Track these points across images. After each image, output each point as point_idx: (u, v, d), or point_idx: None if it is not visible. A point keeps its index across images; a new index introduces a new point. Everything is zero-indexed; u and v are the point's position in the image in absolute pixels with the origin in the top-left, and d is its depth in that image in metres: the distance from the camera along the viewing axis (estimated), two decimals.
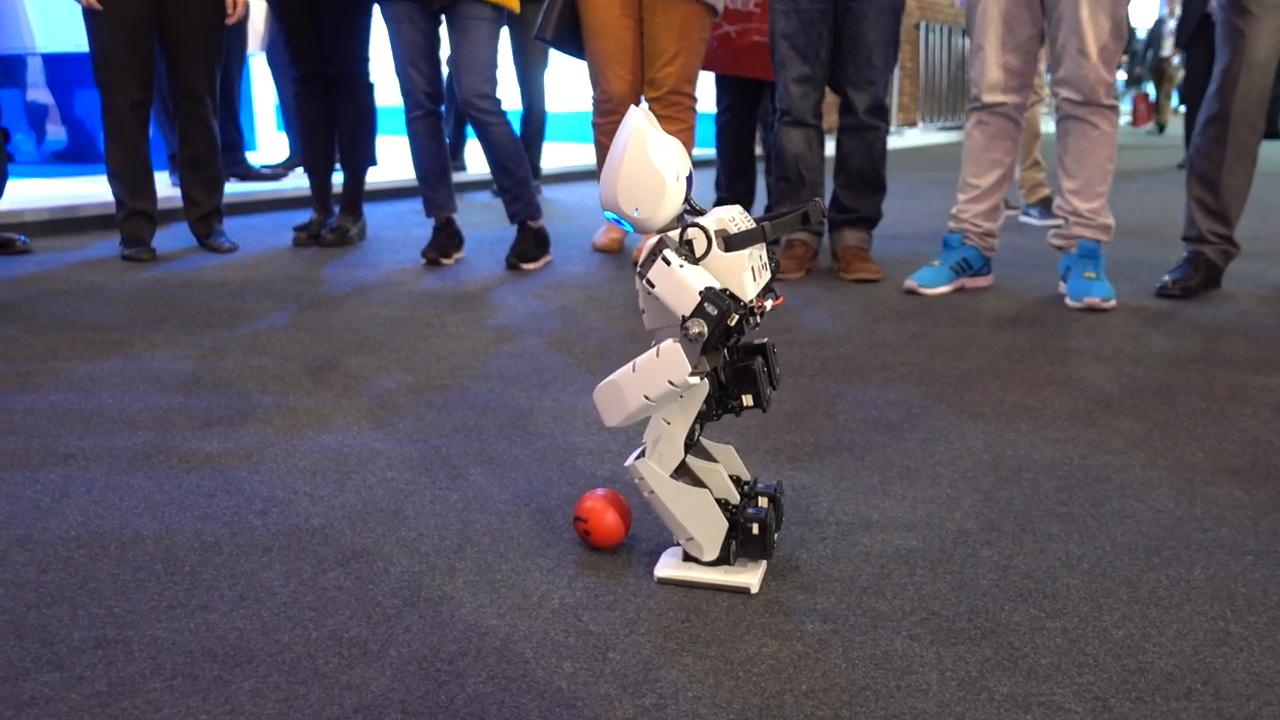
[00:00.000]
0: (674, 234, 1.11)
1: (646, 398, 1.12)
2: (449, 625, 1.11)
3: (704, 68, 3.47)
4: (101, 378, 2.03)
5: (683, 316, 1.08)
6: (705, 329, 1.07)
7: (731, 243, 1.09)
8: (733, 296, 1.08)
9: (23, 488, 1.48)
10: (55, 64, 6.15)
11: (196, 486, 1.48)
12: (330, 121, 3.67)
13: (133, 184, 3.41)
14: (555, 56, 4.88)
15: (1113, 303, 2.65)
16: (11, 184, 3.57)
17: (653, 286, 1.10)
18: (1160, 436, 1.70)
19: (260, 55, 5.94)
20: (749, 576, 1.18)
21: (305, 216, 4.12)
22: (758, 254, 1.14)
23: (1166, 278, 2.84)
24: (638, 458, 1.18)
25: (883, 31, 3.01)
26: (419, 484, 1.50)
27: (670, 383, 1.10)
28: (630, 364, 1.14)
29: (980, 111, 2.81)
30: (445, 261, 3.36)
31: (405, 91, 3.24)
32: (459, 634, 1.09)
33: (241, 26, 4.97)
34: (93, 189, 4.54)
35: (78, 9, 3.26)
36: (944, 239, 2.93)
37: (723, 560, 1.19)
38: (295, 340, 2.34)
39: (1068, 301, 2.70)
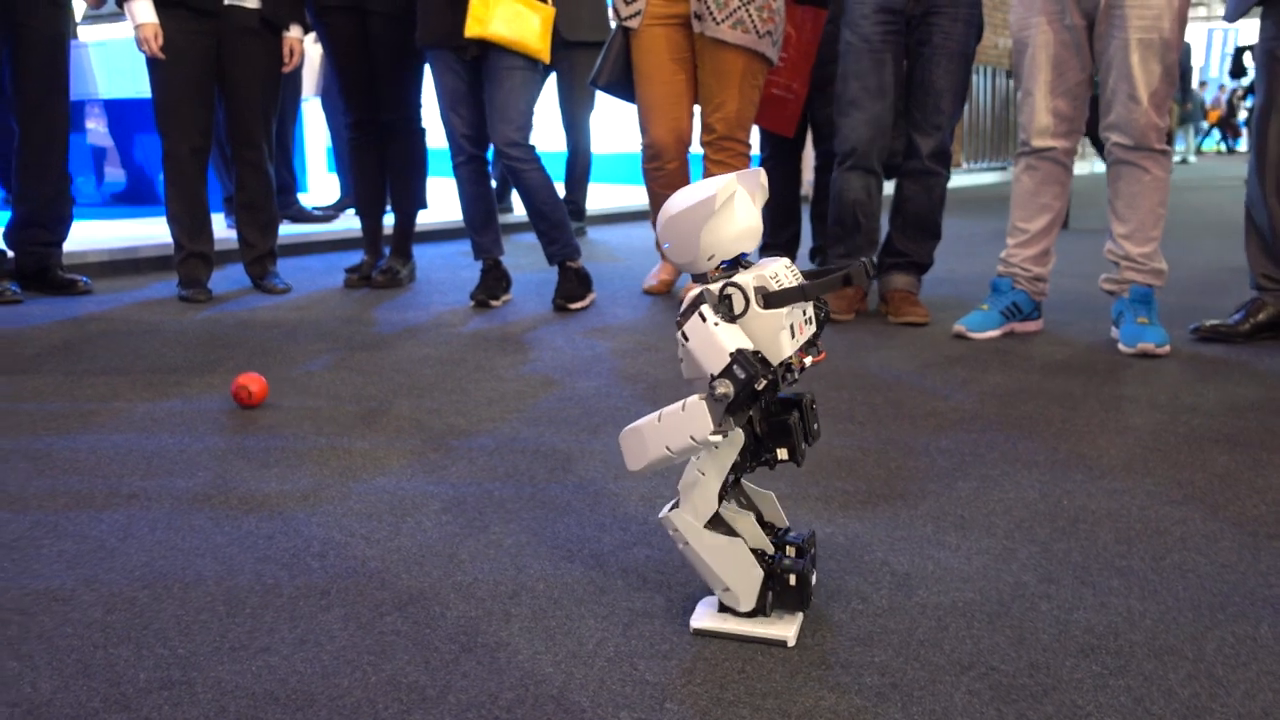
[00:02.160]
0: (715, 287, 1.11)
1: (668, 449, 1.13)
2: (506, 672, 1.11)
3: None
4: (162, 418, 2.07)
5: (711, 375, 1.08)
6: (731, 391, 1.07)
7: (770, 300, 1.09)
8: (763, 361, 1.08)
9: (88, 528, 1.51)
10: (116, 109, 6.34)
11: (256, 528, 1.51)
12: (382, 166, 3.75)
13: (191, 227, 3.50)
14: (601, 98, 4.95)
15: (1167, 348, 2.61)
16: (73, 226, 3.67)
17: (687, 340, 1.10)
18: (1220, 488, 1.67)
19: (313, 100, 6.08)
20: (785, 629, 1.17)
21: (355, 258, 4.19)
22: (800, 310, 1.13)
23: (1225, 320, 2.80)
24: (671, 509, 1.18)
25: (953, 78, 3.05)
26: (473, 528, 1.51)
27: (692, 438, 1.11)
28: (657, 413, 1.14)
29: (1029, 156, 2.81)
30: (493, 303, 3.40)
31: (449, 137, 3.31)
32: (516, 681, 1.09)
33: (297, 73, 5.09)
34: (150, 230, 4.65)
35: (139, 58, 3.37)
36: (992, 283, 2.92)
37: (759, 611, 1.18)
38: (348, 382, 2.37)
39: (1120, 347, 2.67)
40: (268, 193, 3.63)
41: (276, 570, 1.37)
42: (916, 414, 2.11)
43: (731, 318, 1.10)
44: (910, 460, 1.82)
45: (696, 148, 3.42)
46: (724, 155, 3.35)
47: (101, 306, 3.37)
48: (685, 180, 3.52)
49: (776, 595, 1.18)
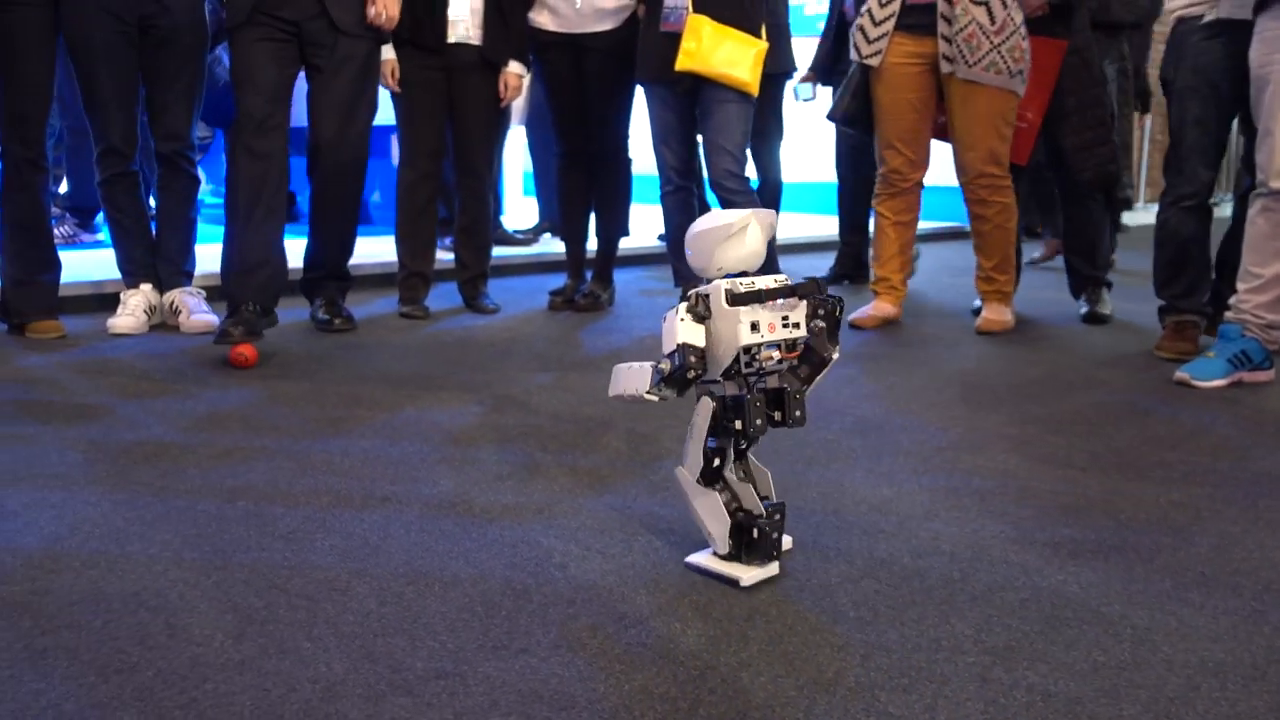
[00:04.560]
0: (695, 291, 1.41)
1: (624, 393, 1.47)
2: (750, 692, 1.16)
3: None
4: (400, 427, 2.23)
5: (664, 353, 1.40)
6: (667, 368, 1.40)
7: (734, 299, 1.37)
8: (699, 355, 1.38)
9: (351, 525, 1.66)
10: None
11: (499, 536, 1.62)
12: (588, 194, 3.90)
13: (414, 248, 3.75)
14: (789, 128, 5.02)
15: None
16: (299, 241, 3.90)
17: (664, 321, 1.41)
18: None
19: (517, 128, 6.36)
20: (745, 572, 1.44)
21: (554, 280, 4.36)
22: (779, 315, 1.40)
23: None
24: (678, 465, 1.50)
25: None
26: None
27: (638, 390, 1.44)
28: (638, 363, 1.46)
29: (1267, 198, 2.67)
30: None
31: (659, 168, 3.43)
32: (761, 701, 1.14)
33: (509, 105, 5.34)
34: (365, 249, 4.96)
35: None
36: (1220, 329, 2.78)
37: (735, 558, 1.46)
38: (564, 401, 2.49)
39: None
40: (486, 218, 3.83)
41: (524, 577, 1.46)
42: (1142, 464, 2.04)
43: (699, 317, 1.39)
44: (1140, 512, 1.77)
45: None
46: (984, 192, 3.40)
47: None
48: (919, 206, 3.55)
49: (747, 546, 1.45)
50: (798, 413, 1.44)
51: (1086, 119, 3.46)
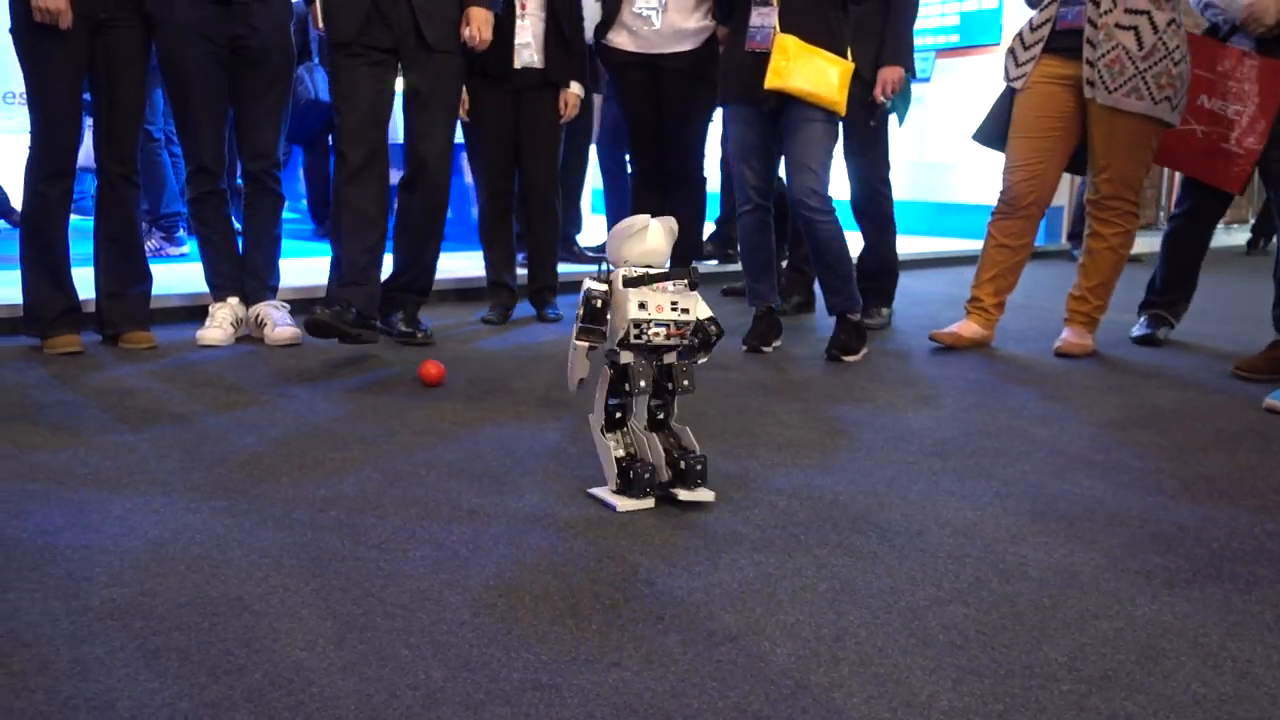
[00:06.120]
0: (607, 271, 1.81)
1: (569, 366, 1.85)
2: (843, 713, 1.16)
3: (1155, 160, 3.46)
4: (481, 440, 2.27)
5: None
6: (582, 311, 1.78)
7: (627, 283, 1.75)
8: (604, 299, 1.78)
9: (440, 536, 1.69)
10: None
11: (585, 550, 1.64)
12: (661, 213, 3.92)
13: (497, 260, 3.87)
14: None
15: None
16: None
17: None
18: None
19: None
20: (619, 500, 1.82)
21: None
22: (668, 299, 1.78)
23: None
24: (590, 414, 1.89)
25: None
26: (785, 570, 1.58)
27: (571, 350, 1.82)
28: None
29: None
30: (765, 349, 3.48)
31: (737, 187, 3.43)
32: None
33: (587, 122, 5.39)
34: (446, 265, 5.05)
35: None
36: None
37: (622, 492, 1.84)
38: None
39: None
40: (552, 232, 3.88)
41: (611, 591, 1.48)
42: (1234, 492, 2.00)
43: (602, 280, 1.79)
44: (1235, 541, 1.73)
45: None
46: (1108, 214, 3.37)
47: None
48: (1033, 234, 3.51)
49: (628, 483, 1.82)
50: (685, 382, 1.81)
51: None
